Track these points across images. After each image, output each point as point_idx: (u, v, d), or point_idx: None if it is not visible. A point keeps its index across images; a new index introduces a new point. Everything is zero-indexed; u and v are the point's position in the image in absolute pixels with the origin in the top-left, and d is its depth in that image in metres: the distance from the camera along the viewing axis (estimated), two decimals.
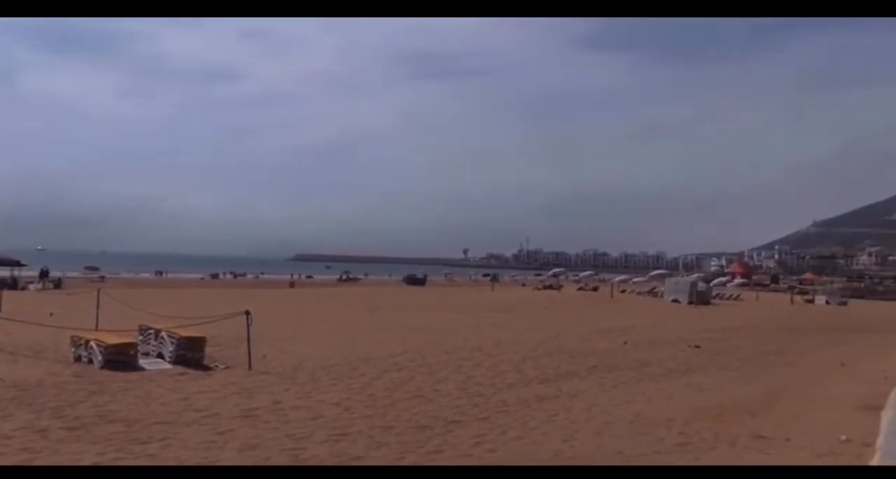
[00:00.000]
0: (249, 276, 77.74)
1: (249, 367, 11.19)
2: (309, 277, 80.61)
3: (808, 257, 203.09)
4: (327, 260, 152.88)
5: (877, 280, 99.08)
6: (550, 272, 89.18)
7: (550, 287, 61.26)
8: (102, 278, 53.95)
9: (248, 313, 11.76)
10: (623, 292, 54.69)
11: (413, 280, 66.68)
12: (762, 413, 8.99)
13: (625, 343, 16.99)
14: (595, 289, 59.07)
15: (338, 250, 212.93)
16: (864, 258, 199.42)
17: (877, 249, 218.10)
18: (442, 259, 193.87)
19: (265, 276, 77.28)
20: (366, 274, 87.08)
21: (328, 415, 8.12)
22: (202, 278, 67.99)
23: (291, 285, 56.93)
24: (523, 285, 71.92)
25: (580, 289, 60.13)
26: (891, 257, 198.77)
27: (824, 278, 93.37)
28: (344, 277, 75.76)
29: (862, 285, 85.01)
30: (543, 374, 11.90)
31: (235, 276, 75.46)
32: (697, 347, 16.81)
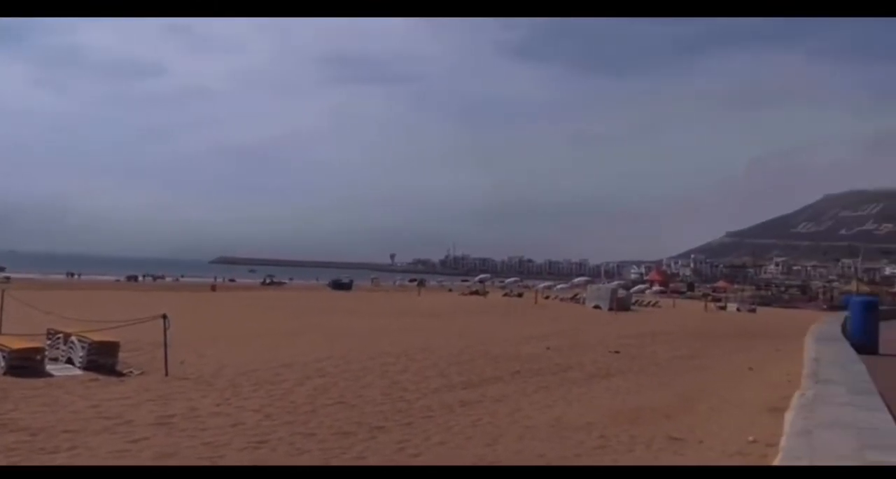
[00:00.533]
0: (169, 278, 75.19)
1: (166, 373, 10.79)
2: (232, 280, 78.65)
3: (721, 265, 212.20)
4: (251, 263, 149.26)
5: (783, 289, 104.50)
6: (477, 278, 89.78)
7: (476, 293, 61.76)
8: (8, 278, 50.99)
9: (165, 316, 11.34)
10: (547, 298, 55.74)
11: (338, 285, 65.99)
12: (677, 416, 9.31)
13: (548, 348, 17.29)
14: (520, 295, 59.95)
15: (262, 253, 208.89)
16: (771, 268, 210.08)
17: (783, 259, 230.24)
18: (369, 264, 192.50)
19: (186, 279, 74.90)
20: (290, 278, 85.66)
21: (248, 422, 7.92)
22: (118, 281, 65.19)
23: (213, 288, 55.34)
24: (450, 290, 72.27)
25: (505, 295, 60.87)
26: (795, 267, 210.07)
27: (736, 287, 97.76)
28: (268, 280, 74.21)
29: (769, 293, 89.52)
30: (468, 379, 11.97)
31: (155, 278, 72.79)
32: (617, 352, 17.26)
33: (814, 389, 7.28)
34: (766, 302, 68.27)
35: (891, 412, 6.05)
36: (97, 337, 11.35)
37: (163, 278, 75.05)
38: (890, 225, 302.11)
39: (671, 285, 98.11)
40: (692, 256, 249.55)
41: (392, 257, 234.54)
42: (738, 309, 53.40)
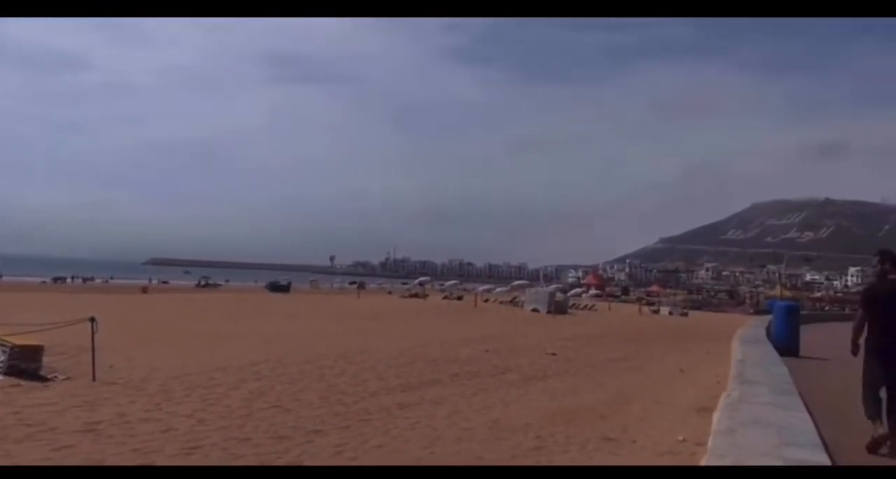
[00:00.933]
0: (98, 280, 72.60)
1: (93, 378, 10.40)
2: (164, 282, 76.47)
3: (654, 270, 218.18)
4: (186, 265, 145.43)
5: (712, 293, 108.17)
6: (417, 281, 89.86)
7: (416, 296, 61.76)
8: None
9: (93, 319, 10.94)
10: (486, 301, 56.14)
11: (276, 287, 64.91)
12: (611, 417, 9.53)
13: (486, 351, 17.43)
14: (459, 298, 60.22)
15: (198, 254, 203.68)
16: (702, 273, 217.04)
17: (713, 264, 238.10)
18: (308, 266, 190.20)
19: (116, 280, 72.43)
20: (227, 280, 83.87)
21: (180, 428, 7.71)
22: (44, 282, 62.51)
23: (144, 290, 53.63)
24: (390, 292, 72.03)
25: (445, 298, 61.06)
26: (724, 272, 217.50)
27: (668, 291, 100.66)
28: (203, 282, 72.43)
29: (700, 297, 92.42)
30: (407, 382, 11.96)
31: (85, 280, 70.04)
32: (554, 354, 17.54)
33: (739, 389, 7.56)
34: (697, 306, 70.46)
35: (808, 411, 6.34)
36: (19, 341, 10.84)
37: (92, 279, 72.42)
38: (811, 233, 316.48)
39: (607, 289, 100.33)
40: (627, 260, 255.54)
41: (332, 259, 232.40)
42: (670, 313, 54.94)
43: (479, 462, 6.84)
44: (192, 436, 7.34)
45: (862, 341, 6.51)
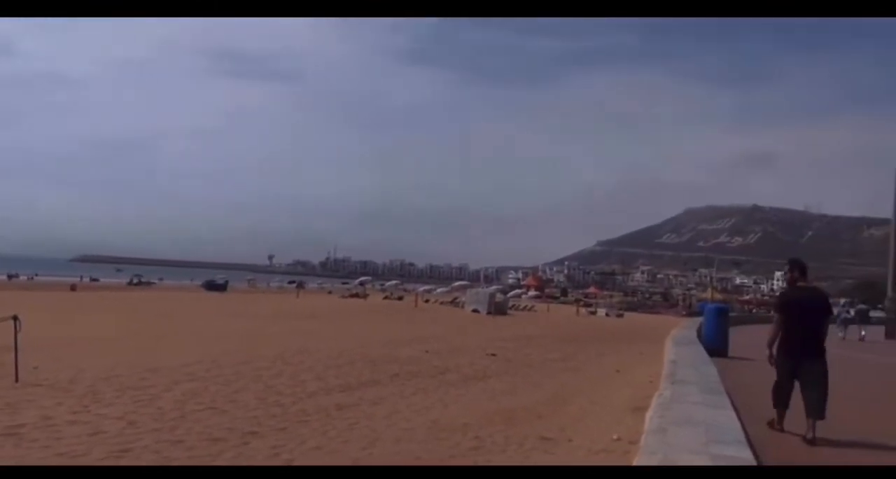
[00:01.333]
0: (23, 277, 69.51)
1: (16, 379, 9.96)
2: (94, 280, 73.79)
3: (592, 272, 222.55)
4: (117, 262, 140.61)
5: (647, 295, 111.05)
6: (357, 281, 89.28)
7: (357, 296, 61.36)
8: None
9: (16, 318, 10.48)
10: (427, 301, 56.21)
11: (212, 286, 63.48)
12: (548, 416, 9.68)
13: (426, 351, 17.46)
14: (400, 298, 60.13)
15: (130, 252, 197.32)
16: (638, 275, 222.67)
17: (648, 267, 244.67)
18: (246, 265, 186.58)
19: (42, 277, 69.45)
20: (160, 278, 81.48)
21: (109, 430, 7.46)
22: None
23: (73, 288, 51.67)
24: (329, 292, 71.36)
25: (386, 298, 60.87)
26: (659, 275, 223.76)
27: (605, 293, 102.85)
28: (135, 280, 70.21)
29: (636, 299, 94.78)
30: (345, 382, 11.87)
31: (10, 277, 66.89)
32: (493, 355, 17.70)
33: (670, 389, 7.80)
34: (632, 308, 72.17)
35: (735, 409, 6.60)
36: None
37: (17, 276, 69.28)
38: (740, 239, 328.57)
39: (546, 291, 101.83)
40: (566, 262, 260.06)
41: (270, 258, 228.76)
42: (606, 314, 56.14)
43: (418, 463, 6.85)
44: (123, 439, 7.11)
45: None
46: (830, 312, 7.37)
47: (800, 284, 7.33)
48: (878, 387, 13.30)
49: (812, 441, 6.53)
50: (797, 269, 7.33)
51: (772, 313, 8.59)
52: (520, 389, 12.53)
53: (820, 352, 6.97)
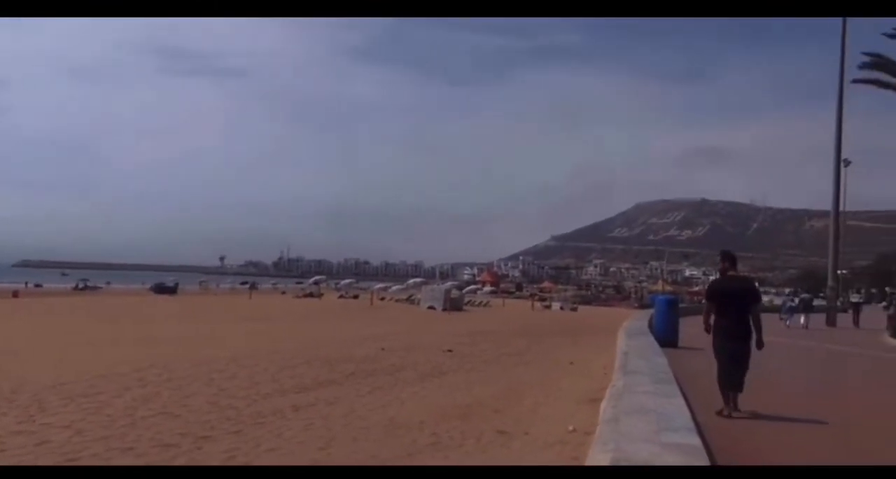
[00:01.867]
0: None
1: None
2: (38, 285, 71.39)
3: (546, 267, 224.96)
4: (63, 266, 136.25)
5: (601, 289, 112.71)
6: (311, 280, 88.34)
7: (311, 295, 60.80)
8: None
9: None
10: (383, 299, 56.05)
11: (162, 289, 62.13)
12: (504, 410, 9.75)
13: (382, 349, 17.41)
14: (356, 296, 59.81)
15: (76, 256, 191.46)
16: (591, 269, 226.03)
17: (601, 261, 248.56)
18: (197, 266, 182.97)
19: None
20: (108, 282, 79.40)
21: (56, 439, 7.25)
22: None
23: (15, 294, 49.85)
24: (283, 292, 70.55)
25: (341, 297, 60.45)
26: (612, 269, 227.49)
27: (559, 287, 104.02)
28: (81, 285, 68.24)
29: (589, 292, 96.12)
30: (301, 383, 11.76)
31: None
32: (449, 351, 17.76)
33: (623, 380, 7.96)
34: (586, 301, 73.11)
35: (685, 398, 6.77)
36: None
37: None
38: (689, 231, 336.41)
39: (501, 286, 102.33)
40: (521, 258, 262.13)
41: (222, 259, 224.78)
42: (561, 308, 56.79)
43: (375, 462, 6.84)
44: (70, 448, 6.92)
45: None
46: (758, 299, 7.86)
47: (730, 273, 7.88)
48: (817, 371, 13.81)
49: (729, 416, 7.27)
50: (727, 260, 7.89)
51: (703, 300, 9.54)
52: (476, 384, 12.60)
53: (747, 335, 7.54)
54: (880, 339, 22.65)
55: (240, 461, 6.70)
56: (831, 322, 30.11)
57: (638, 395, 6.64)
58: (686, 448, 4.37)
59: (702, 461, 4.14)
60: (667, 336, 16.18)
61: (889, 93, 29.63)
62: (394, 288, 74.86)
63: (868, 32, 32.11)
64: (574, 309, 56.08)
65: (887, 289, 70.56)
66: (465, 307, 47.61)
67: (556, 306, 59.17)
